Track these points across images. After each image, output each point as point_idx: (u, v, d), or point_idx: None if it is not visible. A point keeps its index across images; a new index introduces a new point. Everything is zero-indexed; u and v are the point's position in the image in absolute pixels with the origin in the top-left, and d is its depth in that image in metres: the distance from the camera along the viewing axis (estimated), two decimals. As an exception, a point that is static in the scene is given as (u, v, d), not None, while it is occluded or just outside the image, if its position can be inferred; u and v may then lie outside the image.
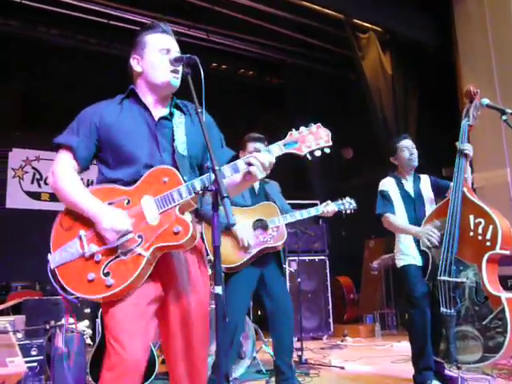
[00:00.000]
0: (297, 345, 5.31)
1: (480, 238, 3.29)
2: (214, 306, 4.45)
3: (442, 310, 3.33)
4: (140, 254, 1.83)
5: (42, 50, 6.97)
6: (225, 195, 1.64)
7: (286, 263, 6.48)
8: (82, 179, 2.02)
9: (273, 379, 4.06)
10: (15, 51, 6.83)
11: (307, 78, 8.70)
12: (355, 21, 7.19)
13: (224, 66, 8.69)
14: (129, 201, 1.90)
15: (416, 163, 3.91)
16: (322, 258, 7.23)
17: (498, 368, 3.83)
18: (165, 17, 6.93)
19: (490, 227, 3.24)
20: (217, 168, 1.70)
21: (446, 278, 3.34)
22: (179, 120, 2.07)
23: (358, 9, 6.97)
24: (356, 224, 7.52)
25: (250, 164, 1.91)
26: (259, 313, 6.04)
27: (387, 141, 7.10)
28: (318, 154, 1.99)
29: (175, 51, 2.06)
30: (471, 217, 3.36)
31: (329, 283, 7.22)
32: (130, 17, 6.79)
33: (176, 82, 2.03)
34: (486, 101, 3.41)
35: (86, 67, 7.12)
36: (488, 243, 3.24)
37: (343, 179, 8.61)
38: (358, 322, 7.65)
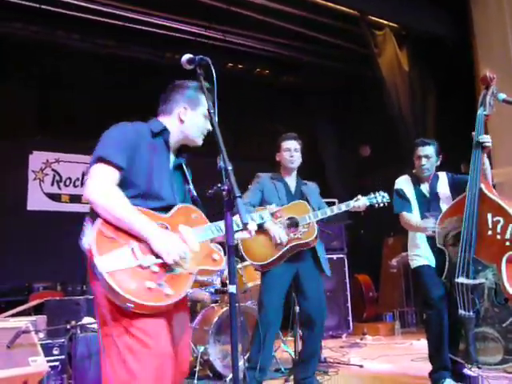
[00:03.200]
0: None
1: (499, 237, 3.17)
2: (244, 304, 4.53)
3: (461, 312, 3.26)
4: (191, 273, 2.05)
5: (58, 54, 7.06)
6: (237, 195, 1.66)
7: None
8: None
9: (291, 377, 4.09)
10: (33, 55, 6.92)
11: (324, 76, 8.67)
12: (370, 17, 7.14)
13: (240, 66, 8.69)
14: (167, 227, 2.07)
15: (427, 173, 3.82)
16: (341, 256, 7.21)
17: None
18: (181, 18, 7.00)
19: (510, 226, 3.13)
20: (229, 168, 1.72)
21: (464, 281, 3.26)
22: (187, 169, 2.33)
23: (372, 5, 6.92)
24: (374, 222, 7.50)
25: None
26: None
27: (405, 138, 7.06)
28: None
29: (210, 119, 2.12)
30: (489, 215, 3.24)
31: (348, 281, 7.20)
32: (146, 18, 6.83)
33: (201, 142, 2.30)
34: (502, 95, 3.30)
35: (103, 70, 7.20)
36: (507, 243, 3.13)
37: (360, 177, 8.58)
38: (378, 320, 7.61)
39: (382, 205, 3.80)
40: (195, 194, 2.30)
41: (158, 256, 1.96)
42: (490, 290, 3.21)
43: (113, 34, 7.17)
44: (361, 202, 3.74)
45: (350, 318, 7.08)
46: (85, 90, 7.14)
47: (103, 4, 6.43)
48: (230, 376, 4.17)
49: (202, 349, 4.30)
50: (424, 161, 3.77)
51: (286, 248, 3.69)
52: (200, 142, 2.28)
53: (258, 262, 3.76)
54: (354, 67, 8.54)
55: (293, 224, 3.75)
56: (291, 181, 4.03)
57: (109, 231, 1.94)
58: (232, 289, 1.77)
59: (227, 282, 4.83)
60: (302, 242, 3.71)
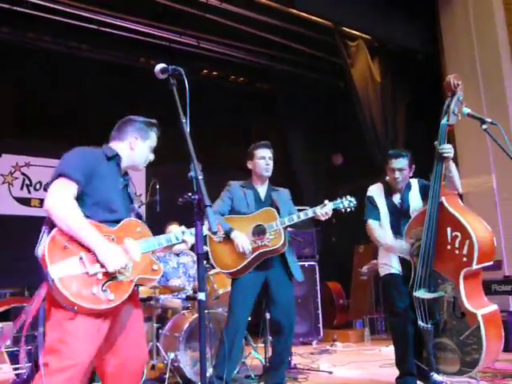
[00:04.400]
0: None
1: (457, 252, 3.19)
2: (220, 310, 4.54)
3: (420, 323, 3.33)
4: (131, 280, 2.29)
5: (34, 56, 6.98)
6: (207, 204, 1.69)
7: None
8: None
9: (261, 384, 4.11)
10: (7, 57, 6.83)
11: (297, 85, 8.77)
12: (344, 28, 7.26)
13: (215, 73, 8.74)
14: (113, 238, 2.31)
15: (401, 185, 3.81)
16: (312, 263, 7.26)
17: (482, 371, 3.87)
18: (156, 24, 7.01)
19: (467, 242, 3.13)
20: (200, 178, 1.75)
21: (421, 295, 3.30)
22: (130, 188, 2.61)
23: (346, 17, 7.03)
24: (346, 230, 7.60)
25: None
26: (249, 318, 6.05)
27: (376, 147, 7.18)
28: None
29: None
30: (448, 229, 3.25)
31: (319, 288, 7.25)
32: (122, 23, 6.82)
33: (142, 169, 2.64)
34: (466, 110, 3.28)
35: (78, 74, 7.15)
36: (464, 259, 3.14)
37: (333, 185, 8.67)
38: (348, 327, 7.69)
39: (348, 210, 3.74)
40: (139, 210, 2.60)
41: (102, 265, 2.19)
42: (449, 303, 3.26)
43: (86, 37, 7.13)
44: (327, 208, 3.67)
45: (321, 325, 7.13)
46: (59, 94, 7.07)
47: (77, 7, 6.40)
48: (200, 383, 4.16)
49: (172, 355, 4.29)
50: (397, 174, 3.75)
51: (252, 256, 3.70)
52: (142, 168, 2.62)
53: (226, 270, 3.79)
54: (326, 77, 8.67)
55: (260, 231, 3.75)
56: (262, 188, 4.05)
57: (62, 240, 2.17)
58: (201, 296, 1.79)
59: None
60: (269, 249, 3.71)
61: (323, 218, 3.67)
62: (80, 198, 2.29)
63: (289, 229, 4.67)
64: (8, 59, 6.84)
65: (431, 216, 3.31)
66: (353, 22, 7.17)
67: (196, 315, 4.47)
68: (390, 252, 3.70)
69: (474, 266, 3.12)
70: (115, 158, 2.49)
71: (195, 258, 5.47)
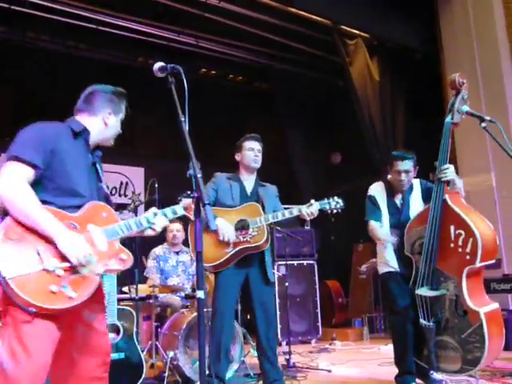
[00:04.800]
0: (285, 348, 5.36)
1: (460, 250, 3.20)
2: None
3: (421, 321, 3.33)
4: (97, 273, 2.06)
5: (33, 56, 6.98)
6: (206, 202, 1.69)
7: (275, 267, 6.52)
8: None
9: (260, 383, 4.11)
10: (6, 56, 6.83)
11: (295, 84, 8.78)
12: (343, 27, 7.27)
13: (213, 72, 8.74)
14: (75, 226, 2.08)
15: (405, 188, 3.79)
16: (311, 262, 7.26)
17: (481, 369, 3.88)
18: (154, 23, 7.01)
19: (470, 240, 3.14)
20: (199, 176, 1.75)
21: (423, 293, 3.31)
22: (99, 165, 2.36)
23: (345, 15, 7.04)
24: (345, 228, 7.61)
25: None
26: (248, 317, 6.06)
27: (375, 146, 7.19)
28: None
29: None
30: (452, 227, 3.25)
31: (317, 287, 7.26)
32: (120, 23, 6.82)
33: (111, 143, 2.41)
34: (465, 108, 3.31)
35: (77, 73, 7.13)
36: (468, 257, 3.15)
37: (331, 184, 8.68)
38: (347, 326, 7.70)
39: (335, 211, 3.74)
40: (107, 191, 2.38)
41: (63, 258, 1.97)
42: (451, 301, 3.26)
43: (85, 36, 7.14)
44: (313, 208, 3.65)
45: (320, 324, 7.13)
46: (59, 93, 7.05)
47: (76, 7, 6.41)
48: (199, 381, 4.16)
49: (171, 354, 4.29)
50: (403, 176, 3.72)
51: (233, 251, 3.66)
52: (112, 143, 2.41)
53: (206, 264, 3.68)
54: (325, 75, 8.67)
55: (243, 226, 3.71)
56: (249, 182, 3.99)
57: (17, 231, 1.94)
58: (200, 294, 1.79)
59: (196, 287, 4.84)
60: (250, 245, 3.69)
61: (308, 218, 3.66)
62: (40, 182, 2.07)
63: (279, 228, 4.68)
64: (7, 59, 6.84)
65: (435, 214, 3.31)
66: (351, 20, 7.18)
67: (195, 314, 4.47)
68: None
69: (478, 264, 3.13)
70: (83, 133, 2.27)
71: (193, 257, 5.47)
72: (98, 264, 2.06)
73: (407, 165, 3.73)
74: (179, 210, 2.38)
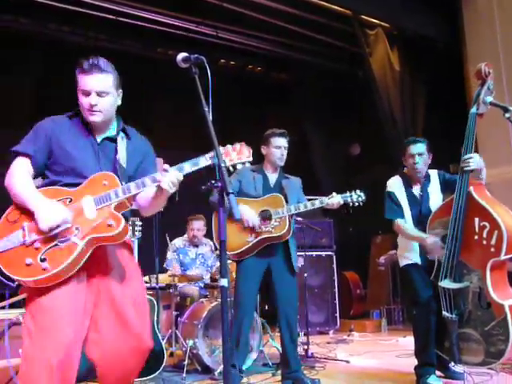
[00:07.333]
0: (303, 339, 5.38)
1: (485, 242, 3.16)
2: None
3: (444, 313, 3.31)
4: (75, 243, 2.06)
5: (55, 48, 7.03)
6: (230, 191, 1.70)
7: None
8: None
9: (279, 372, 4.14)
10: (26, 48, 6.89)
11: (315, 75, 8.73)
12: (363, 17, 7.20)
13: (232, 63, 8.73)
14: (71, 199, 2.17)
15: (420, 173, 3.78)
16: (329, 253, 7.26)
17: (502, 362, 3.85)
18: (174, 14, 7.01)
19: (495, 232, 3.10)
20: (222, 165, 1.76)
21: (446, 285, 3.29)
22: (122, 141, 2.37)
23: (365, 5, 6.98)
24: (363, 220, 7.57)
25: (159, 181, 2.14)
26: (266, 307, 6.09)
27: (395, 137, 7.13)
28: (239, 167, 2.21)
29: (94, 92, 2.25)
30: (476, 219, 3.21)
31: (336, 278, 7.26)
32: (138, 13, 6.84)
33: (93, 118, 2.27)
34: (489, 98, 3.26)
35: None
36: (492, 249, 3.11)
37: (350, 176, 8.64)
38: (365, 317, 7.70)
39: (356, 204, 3.79)
40: (121, 162, 2.32)
41: (40, 231, 2.06)
42: (475, 293, 3.23)
43: (105, 27, 7.16)
44: (335, 200, 3.72)
45: (338, 315, 7.14)
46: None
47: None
48: (219, 370, 4.21)
49: (191, 343, 4.34)
50: (417, 159, 3.72)
51: (255, 240, 3.73)
52: (91, 119, 2.28)
53: (229, 252, 3.75)
54: (345, 66, 8.60)
55: (266, 216, 3.77)
56: (273, 175, 4.04)
57: (14, 215, 2.14)
58: (223, 282, 1.81)
59: (217, 277, 4.87)
60: (271, 235, 3.73)
61: (331, 208, 3.76)
62: (49, 167, 2.26)
63: (301, 219, 4.69)
64: (28, 50, 6.91)
65: (459, 206, 3.27)
66: (372, 10, 7.11)
67: (214, 303, 4.51)
68: (423, 245, 3.62)
69: (503, 257, 3.09)
70: (77, 114, 2.36)
71: (213, 248, 5.52)
72: (80, 233, 2.08)
73: (419, 148, 3.76)
74: (202, 161, 2.15)
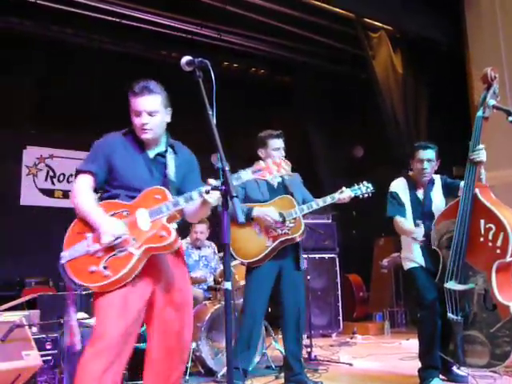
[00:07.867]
0: (306, 341, 5.36)
1: (490, 244, 3.17)
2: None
3: (449, 315, 3.31)
4: (131, 253, 2.28)
5: (57, 49, 7.06)
6: (234, 195, 1.71)
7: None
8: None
9: (282, 375, 4.13)
10: (30, 49, 6.92)
11: (317, 77, 8.73)
12: (366, 20, 7.19)
13: (235, 65, 8.74)
14: (128, 212, 2.38)
15: (427, 178, 3.80)
16: (332, 255, 7.24)
17: (505, 366, 3.84)
18: (176, 16, 7.02)
19: (501, 234, 3.11)
20: (227, 169, 1.77)
21: (452, 287, 3.28)
22: (170, 156, 2.55)
23: (368, 8, 6.96)
24: (366, 222, 7.57)
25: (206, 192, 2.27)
26: (269, 309, 6.08)
27: (397, 140, 7.13)
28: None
29: (145, 112, 2.46)
30: (482, 221, 3.22)
31: (339, 281, 7.24)
32: (142, 15, 6.85)
33: (145, 135, 2.48)
34: (492, 101, 3.30)
35: (100, 66, 7.20)
36: (498, 251, 3.13)
37: (353, 178, 8.62)
38: (368, 320, 7.68)
39: (366, 195, 3.81)
40: (171, 176, 2.50)
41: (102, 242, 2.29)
42: (480, 295, 3.23)
43: (108, 30, 7.17)
44: (345, 194, 3.74)
45: (341, 317, 7.13)
46: (81, 86, 7.12)
47: (98, 0, 6.45)
48: (221, 372, 4.21)
49: (194, 345, 4.34)
50: (426, 164, 3.74)
51: (273, 244, 3.71)
52: (143, 136, 2.48)
53: (246, 260, 3.76)
54: (348, 68, 8.60)
55: (280, 220, 3.75)
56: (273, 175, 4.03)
57: (78, 227, 2.37)
58: (227, 285, 1.81)
59: (220, 279, 4.87)
60: (289, 237, 3.72)
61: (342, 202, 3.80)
62: (109, 182, 2.48)
63: (306, 220, 4.69)
64: (31, 52, 6.94)
65: (465, 208, 3.28)
66: (375, 13, 7.10)
67: (217, 306, 4.51)
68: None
69: (508, 259, 3.10)
70: (130, 132, 2.57)
71: (216, 250, 5.52)
72: (136, 244, 2.28)
73: (430, 154, 3.77)
74: (245, 174, 2.32)
